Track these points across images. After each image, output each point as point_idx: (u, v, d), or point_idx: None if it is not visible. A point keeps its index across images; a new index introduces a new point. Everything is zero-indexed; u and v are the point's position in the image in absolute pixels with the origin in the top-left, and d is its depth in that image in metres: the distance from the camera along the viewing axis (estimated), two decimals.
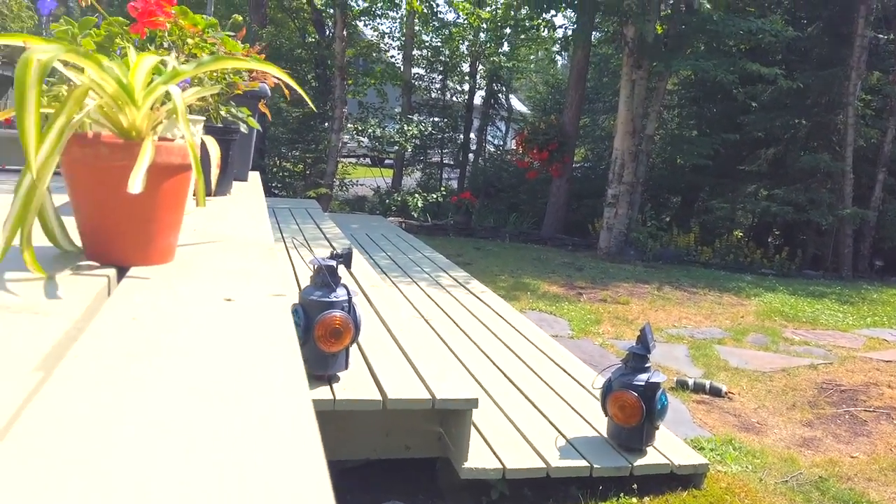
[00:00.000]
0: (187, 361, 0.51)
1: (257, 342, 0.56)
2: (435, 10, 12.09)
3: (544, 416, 3.02)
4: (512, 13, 11.28)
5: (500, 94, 13.56)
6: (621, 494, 2.70)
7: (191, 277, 0.76)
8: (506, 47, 13.26)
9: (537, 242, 9.94)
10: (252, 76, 1.88)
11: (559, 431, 2.88)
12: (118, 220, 0.75)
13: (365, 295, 3.62)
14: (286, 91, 1.84)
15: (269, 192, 10.06)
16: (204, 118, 1.36)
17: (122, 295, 0.65)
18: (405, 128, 11.44)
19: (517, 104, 16.75)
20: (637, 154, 9.12)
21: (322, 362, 2.42)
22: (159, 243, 0.79)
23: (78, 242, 0.79)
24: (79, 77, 0.69)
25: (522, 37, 12.14)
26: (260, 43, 1.76)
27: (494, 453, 2.67)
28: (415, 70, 12.83)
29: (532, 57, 14.87)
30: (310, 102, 1.01)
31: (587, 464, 2.67)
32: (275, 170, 11.92)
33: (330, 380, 2.48)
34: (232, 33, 1.60)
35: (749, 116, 10.24)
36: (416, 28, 12.55)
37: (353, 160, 14.54)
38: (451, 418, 2.66)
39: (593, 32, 10.31)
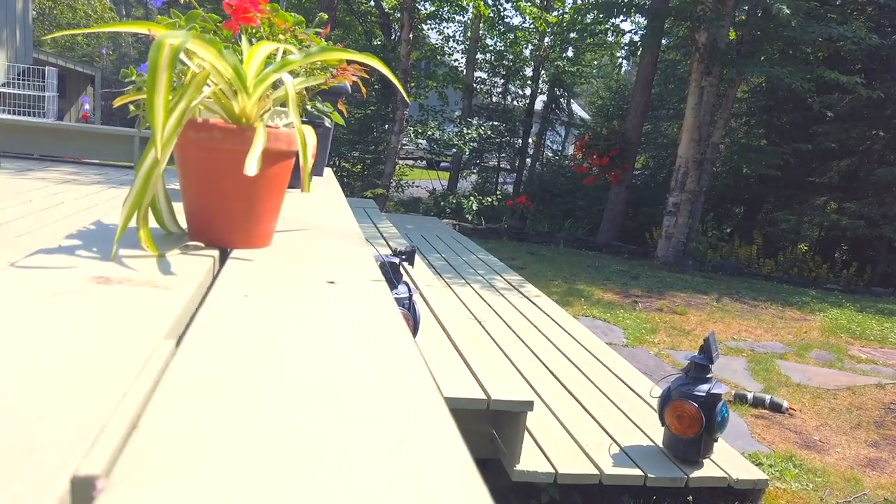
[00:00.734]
0: (303, 333, 0.54)
1: (367, 320, 0.59)
2: (501, 13, 12.09)
3: (598, 422, 3.00)
4: (579, 18, 11.17)
5: (561, 99, 13.46)
6: None
7: (291, 261, 0.80)
8: (570, 52, 13.15)
9: (592, 249, 9.83)
10: (334, 73, 1.93)
11: (613, 439, 2.85)
12: (225, 202, 0.80)
13: (421, 294, 3.67)
14: (363, 90, 1.90)
15: None
16: (286, 110, 1.42)
17: (231, 273, 0.70)
18: (464, 131, 11.49)
19: (577, 109, 16.59)
20: (701, 162, 8.91)
21: None
22: (261, 227, 0.83)
23: (183, 224, 0.85)
24: (196, 63, 0.74)
25: (589, 41, 12.01)
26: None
27: (546, 457, 2.66)
28: (477, 74, 12.87)
29: (596, 62, 14.69)
30: (405, 95, 1.04)
31: (641, 473, 2.64)
32: (334, 169, 12.17)
33: None
34: (318, 30, 1.66)
35: (823, 126, 9.86)
36: (482, 32, 12.59)
37: (410, 162, 14.69)
38: (505, 420, 2.67)
39: (662, 37, 10.13)
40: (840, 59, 9.48)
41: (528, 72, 13.39)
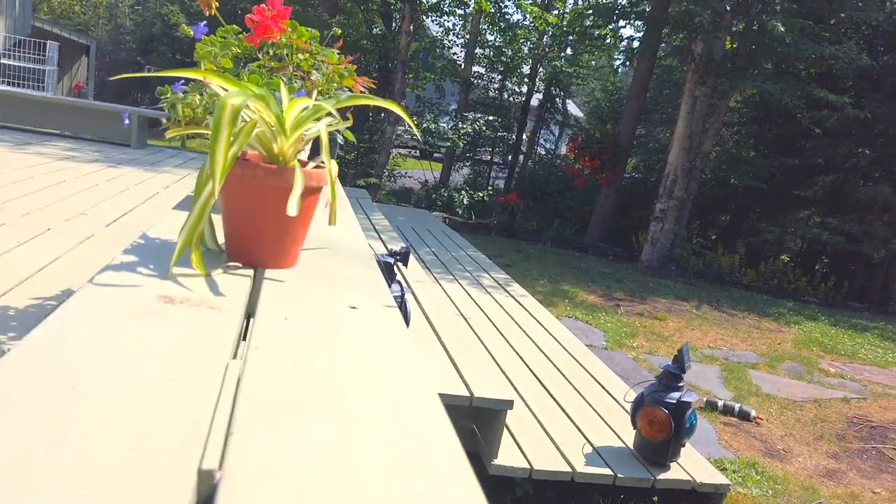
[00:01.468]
0: (337, 354, 0.67)
1: (388, 341, 0.72)
2: (503, 10, 12.16)
3: (573, 422, 3.15)
4: (579, 22, 11.28)
5: (557, 98, 13.57)
6: None
7: (316, 283, 0.92)
8: (569, 50, 13.26)
9: (579, 250, 10.00)
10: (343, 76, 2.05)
11: (587, 439, 3.01)
12: (262, 230, 0.92)
13: (411, 290, 3.80)
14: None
15: None
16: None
17: (269, 296, 0.82)
18: (459, 125, 11.59)
19: (573, 108, 16.73)
20: (690, 170, 9.09)
21: None
22: (291, 251, 0.96)
23: (220, 240, 0.97)
24: (256, 115, 0.86)
25: (587, 44, 12.12)
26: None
27: (523, 453, 2.81)
28: (475, 68, 12.94)
29: (594, 62, 14.81)
30: (417, 132, 1.17)
31: (611, 472, 2.80)
32: None
33: None
34: (338, 52, 1.76)
35: (811, 141, 10.08)
36: (482, 27, 12.66)
37: (404, 151, 14.76)
38: (486, 417, 2.81)
39: (659, 45, 10.27)
40: (831, 76, 9.68)
41: (526, 69, 13.49)
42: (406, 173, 13.03)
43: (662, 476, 2.84)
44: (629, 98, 10.81)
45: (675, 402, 2.82)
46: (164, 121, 1.38)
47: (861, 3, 9.11)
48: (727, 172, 11.36)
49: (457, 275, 5.81)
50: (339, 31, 2.12)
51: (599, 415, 3.30)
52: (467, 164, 13.52)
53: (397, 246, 5.24)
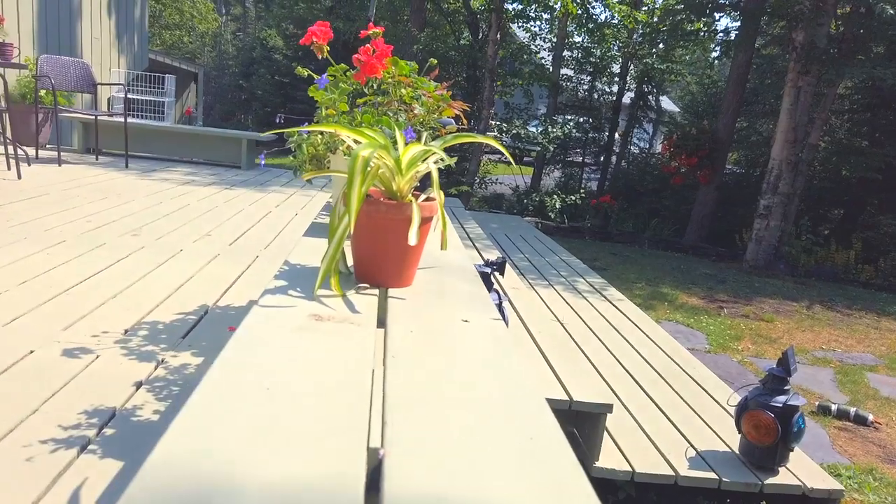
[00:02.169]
0: (456, 361, 0.80)
1: (499, 350, 0.85)
2: (589, 11, 12.07)
3: (675, 426, 3.16)
4: (669, 18, 11.02)
5: (649, 96, 13.29)
6: None
7: (431, 299, 1.07)
8: (661, 47, 12.95)
9: (678, 251, 9.75)
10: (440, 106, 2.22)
11: (689, 443, 3.01)
12: (386, 256, 1.08)
13: (506, 295, 3.92)
14: (464, 120, 2.16)
15: None
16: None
17: (395, 312, 0.98)
18: (549, 129, 11.60)
19: (668, 104, 16.28)
20: (796, 164, 8.67)
21: None
22: (408, 273, 1.11)
23: (349, 262, 1.14)
24: (379, 161, 1.02)
25: (679, 39, 11.81)
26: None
27: (624, 456, 2.86)
28: (563, 71, 12.91)
29: (687, 58, 14.38)
30: (512, 160, 1.29)
31: (716, 476, 2.79)
32: None
33: None
34: (436, 84, 1.92)
35: None
36: (569, 29, 12.62)
37: (494, 157, 14.89)
38: (586, 420, 2.88)
39: (757, 36, 9.87)
40: None
41: (616, 68, 13.29)
42: (497, 179, 13.16)
43: (770, 481, 2.80)
44: (727, 91, 10.44)
45: (781, 405, 2.78)
46: (290, 158, 1.58)
47: None
48: (838, 164, 10.71)
49: (552, 280, 5.87)
50: (435, 62, 2.29)
51: (702, 418, 3.28)
52: (558, 167, 13.47)
53: (492, 254, 5.38)
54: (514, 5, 11.75)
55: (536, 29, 13.09)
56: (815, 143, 9.21)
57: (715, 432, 3.14)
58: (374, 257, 1.08)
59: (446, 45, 13.43)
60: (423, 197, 1.10)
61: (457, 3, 13.38)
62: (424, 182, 1.21)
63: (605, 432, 2.91)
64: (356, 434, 0.59)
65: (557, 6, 11.44)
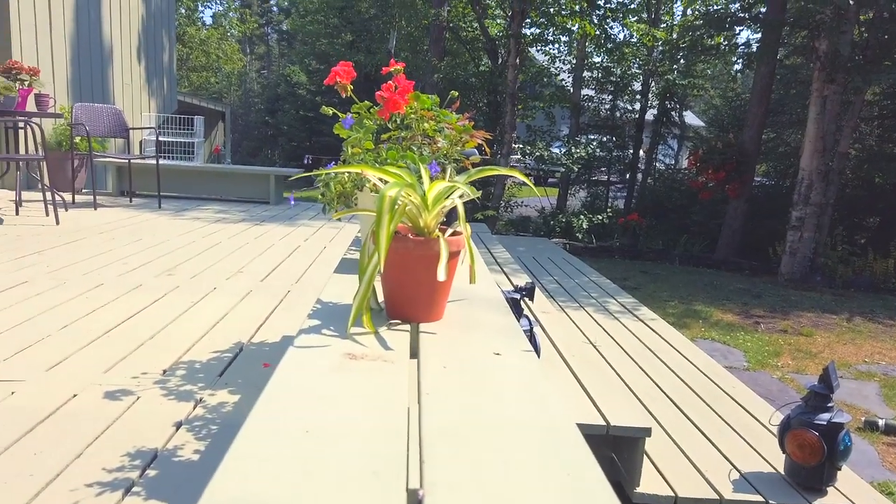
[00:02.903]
0: (489, 395, 0.81)
1: (531, 382, 0.85)
2: (608, 31, 12.13)
3: (716, 447, 3.09)
4: (688, 34, 11.01)
5: (673, 112, 13.23)
6: None
7: (462, 333, 1.08)
8: (682, 62, 12.93)
9: (710, 266, 9.60)
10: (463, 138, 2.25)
11: (732, 465, 2.94)
12: (416, 291, 1.09)
13: (537, 320, 3.90)
14: (487, 150, 2.19)
15: None
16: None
17: (427, 347, 0.99)
18: (572, 150, 11.60)
19: (692, 119, 16.18)
20: (827, 173, 8.52)
21: None
22: (439, 307, 1.13)
23: (380, 297, 1.15)
24: (406, 199, 1.05)
25: (700, 54, 11.78)
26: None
27: (666, 481, 2.80)
28: (584, 91, 12.94)
29: (709, 72, 14.31)
30: (534, 188, 1.31)
31: (762, 499, 2.71)
32: None
33: None
34: (458, 115, 1.95)
35: None
36: (588, 50, 12.68)
37: (519, 180, 14.90)
38: (624, 444, 2.83)
39: (779, 47, 9.80)
40: None
41: (637, 86, 13.28)
42: (522, 202, 13.16)
43: (819, 501, 2.72)
44: (751, 103, 10.35)
45: (825, 423, 2.70)
46: (318, 196, 1.61)
47: None
48: (870, 171, 10.50)
49: (582, 302, 5.83)
50: (456, 94, 2.32)
51: (744, 439, 3.21)
52: (584, 187, 13.43)
53: (520, 279, 5.36)
54: (533, 30, 11.87)
55: (555, 52, 13.18)
56: (845, 152, 9.05)
57: (758, 453, 3.06)
58: (404, 293, 1.10)
59: (466, 72, 13.58)
60: (449, 231, 1.12)
61: (475, 31, 13.55)
62: (451, 215, 1.23)
63: (645, 456, 2.86)
64: (395, 475, 0.59)
65: (575, 28, 11.52)
